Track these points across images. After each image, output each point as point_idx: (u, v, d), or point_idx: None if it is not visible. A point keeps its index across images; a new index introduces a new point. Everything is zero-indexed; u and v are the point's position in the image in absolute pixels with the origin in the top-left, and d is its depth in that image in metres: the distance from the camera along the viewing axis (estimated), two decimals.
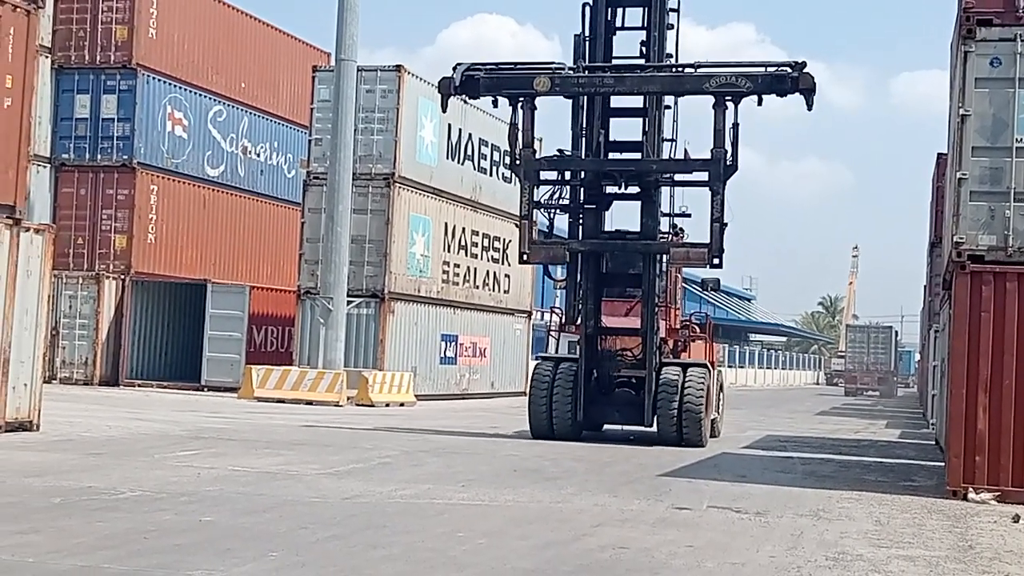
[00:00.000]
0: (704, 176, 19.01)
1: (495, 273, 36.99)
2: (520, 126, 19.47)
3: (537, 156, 19.96)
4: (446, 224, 33.84)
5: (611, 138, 20.11)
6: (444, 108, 20.39)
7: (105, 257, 33.02)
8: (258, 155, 38.48)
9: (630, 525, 10.21)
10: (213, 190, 36.15)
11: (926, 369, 38.50)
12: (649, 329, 19.34)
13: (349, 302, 29.28)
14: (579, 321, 19.77)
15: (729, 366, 77.27)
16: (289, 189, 38.37)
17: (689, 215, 21.12)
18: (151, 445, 15.59)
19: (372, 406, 27.49)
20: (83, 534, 8.51)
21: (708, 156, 18.85)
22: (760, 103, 18.68)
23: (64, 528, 8.74)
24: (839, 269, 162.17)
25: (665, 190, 20.45)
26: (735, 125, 18.55)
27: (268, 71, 38.39)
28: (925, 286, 40.96)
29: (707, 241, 18.86)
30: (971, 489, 12.90)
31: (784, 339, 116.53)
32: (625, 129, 20.42)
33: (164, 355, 34.45)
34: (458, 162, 34.63)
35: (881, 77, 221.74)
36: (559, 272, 21.53)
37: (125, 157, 33.08)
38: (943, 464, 15.10)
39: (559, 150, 20.44)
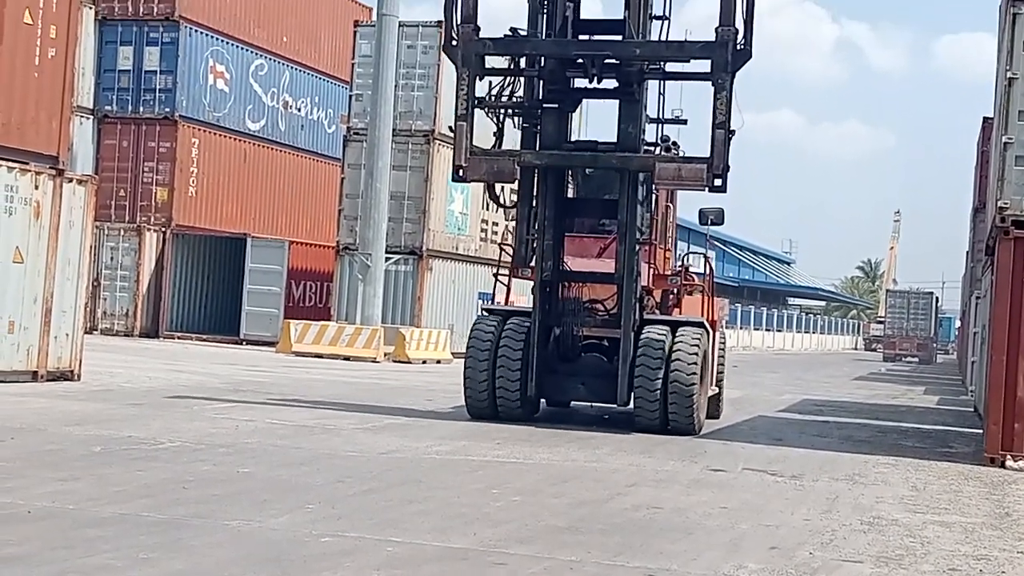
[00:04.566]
0: (706, 66, 13.93)
1: None
2: None
3: (481, 36, 14.47)
4: None
5: (581, 15, 15.05)
6: None
7: (146, 209, 33.27)
8: (299, 110, 38.54)
9: (665, 485, 10.22)
10: (254, 144, 36.28)
11: (966, 336, 38.22)
12: (627, 274, 14.34)
13: (387, 258, 29.36)
14: (534, 262, 14.93)
15: (767, 329, 77.07)
16: (329, 144, 38.45)
17: (684, 121, 15.67)
18: (190, 396, 15.72)
19: (409, 363, 27.60)
20: (122, 482, 8.61)
21: (712, 38, 13.78)
22: None
23: (104, 476, 8.85)
24: (880, 233, 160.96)
25: (654, 88, 15.34)
26: None
27: (310, 25, 38.39)
28: (967, 252, 40.58)
29: (706, 155, 13.74)
30: (1009, 456, 12.80)
31: (823, 303, 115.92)
32: (603, 6, 16.50)
33: (203, 308, 34.72)
34: None
35: (924, 40, 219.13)
36: (508, 195, 16.45)
37: (167, 110, 33.24)
38: (981, 431, 14.99)
39: (512, 29, 14.88)
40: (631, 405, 14.51)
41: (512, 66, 15.42)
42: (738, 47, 13.66)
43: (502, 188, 16.16)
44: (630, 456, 12.08)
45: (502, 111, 15.20)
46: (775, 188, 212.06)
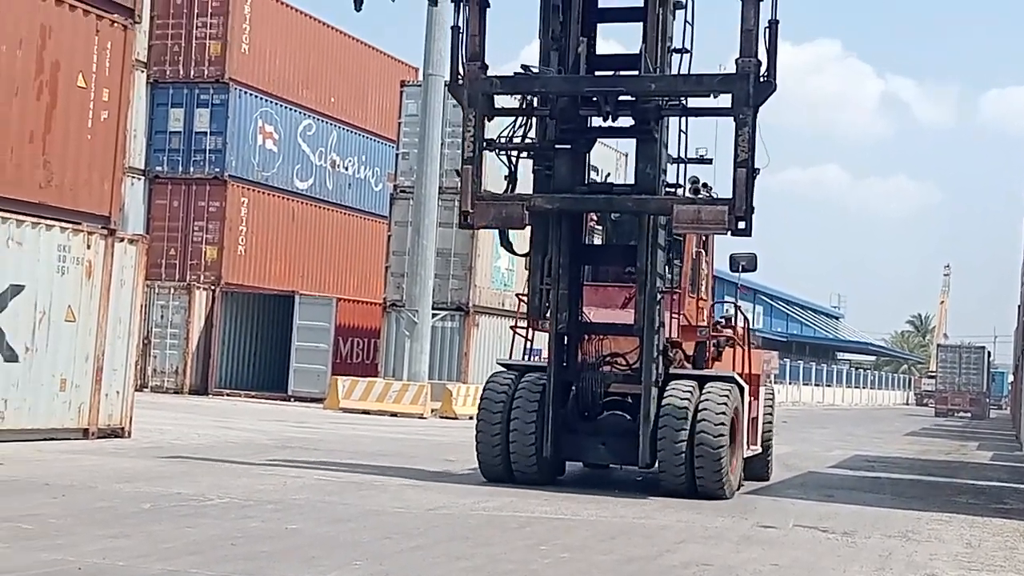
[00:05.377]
0: (728, 100, 12.99)
1: None
2: (465, 29, 13.63)
3: (489, 74, 13.64)
4: None
5: (597, 51, 14.21)
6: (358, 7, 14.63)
7: (196, 268, 33.60)
8: (346, 169, 38.91)
9: (714, 542, 10.12)
10: (302, 203, 36.62)
11: (1019, 390, 37.70)
12: (647, 325, 13.32)
13: (434, 315, 29.45)
14: (550, 314, 13.91)
15: (816, 384, 76.34)
16: (376, 202, 38.74)
17: (709, 161, 14.08)
18: (239, 453, 15.79)
19: (456, 419, 27.57)
20: (171, 539, 8.65)
21: (733, 70, 12.81)
22: None
23: (153, 533, 8.89)
24: (929, 288, 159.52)
25: (676, 127, 13.88)
26: (773, 24, 12.64)
27: (357, 86, 38.84)
28: (1019, 306, 40.13)
29: (729, 197, 12.72)
30: None
31: (873, 358, 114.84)
32: (619, 39, 14.92)
33: (252, 365, 34.92)
34: None
35: (970, 94, 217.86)
36: (520, 242, 15.09)
37: (217, 170, 33.65)
38: None
39: (523, 67, 13.94)
40: (656, 467, 13.50)
41: (523, 105, 14.41)
42: (761, 79, 12.71)
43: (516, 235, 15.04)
44: (679, 512, 11.98)
45: (514, 153, 14.17)
46: (823, 243, 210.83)
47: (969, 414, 65.32)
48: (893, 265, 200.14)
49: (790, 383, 68.84)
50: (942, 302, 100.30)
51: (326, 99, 37.50)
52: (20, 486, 11.21)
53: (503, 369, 14.57)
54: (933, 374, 78.40)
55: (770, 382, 17.04)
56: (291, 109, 36.04)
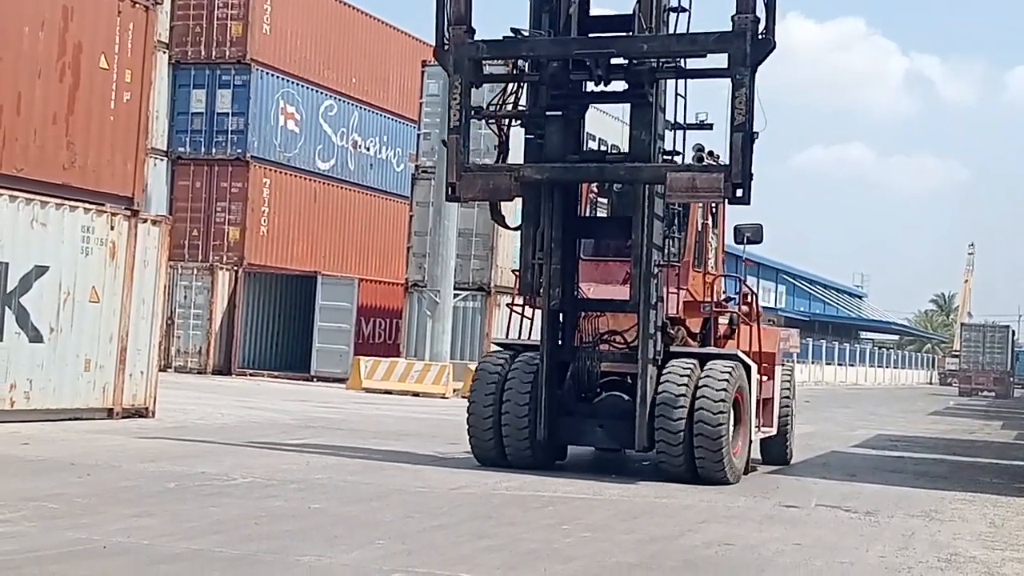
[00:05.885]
0: (724, 60, 12.12)
1: None
2: None
3: (476, 38, 12.75)
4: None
5: (590, 12, 13.36)
6: None
7: (219, 249, 33.74)
8: (368, 149, 38.92)
9: (736, 522, 10.12)
10: (324, 183, 36.68)
11: None
12: (643, 300, 12.53)
13: (456, 295, 29.48)
14: (543, 290, 13.10)
15: (839, 364, 76.11)
16: (398, 183, 38.77)
17: (710, 126, 13.19)
18: (262, 433, 15.87)
19: None
20: (195, 518, 8.70)
21: (729, 28, 11.89)
22: None
23: (177, 512, 8.95)
24: (953, 267, 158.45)
25: (673, 92, 13.10)
26: None
27: (378, 66, 38.82)
28: None
29: (725, 163, 11.98)
30: None
31: (896, 338, 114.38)
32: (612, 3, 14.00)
33: (275, 345, 35.06)
34: None
35: (996, 71, 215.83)
36: (515, 215, 14.28)
37: (239, 151, 33.74)
38: None
39: (513, 30, 13.01)
40: (655, 451, 12.72)
41: (512, 71, 13.55)
42: (759, 37, 11.78)
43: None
44: (701, 492, 11.98)
45: (505, 122, 13.48)
46: (846, 222, 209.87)
47: (993, 393, 65.03)
48: (917, 244, 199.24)
49: (813, 362, 68.65)
50: (966, 281, 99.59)
51: (347, 79, 37.51)
52: (45, 466, 11.30)
53: (498, 348, 13.92)
54: (957, 353, 77.95)
55: (791, 361, 16.38)
56: (313, 90, 36.06)
